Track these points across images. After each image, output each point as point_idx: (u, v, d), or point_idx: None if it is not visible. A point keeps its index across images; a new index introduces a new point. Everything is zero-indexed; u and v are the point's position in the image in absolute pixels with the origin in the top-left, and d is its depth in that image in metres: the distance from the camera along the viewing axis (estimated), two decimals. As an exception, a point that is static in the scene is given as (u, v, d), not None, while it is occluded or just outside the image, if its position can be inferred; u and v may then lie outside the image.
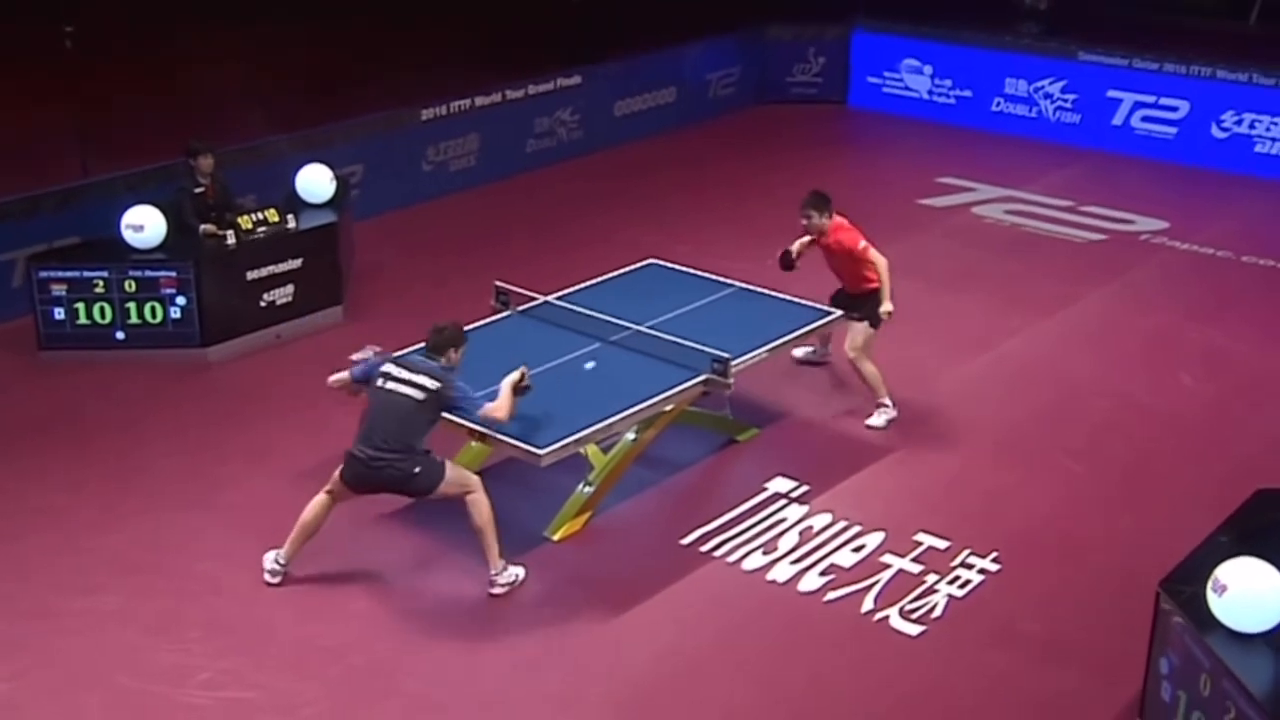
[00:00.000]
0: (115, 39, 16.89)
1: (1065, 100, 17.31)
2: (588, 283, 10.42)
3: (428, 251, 13.46)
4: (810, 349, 10.94)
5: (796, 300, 10.26)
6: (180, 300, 10.93)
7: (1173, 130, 16.64)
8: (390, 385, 7.92)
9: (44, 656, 7.61)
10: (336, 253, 11.84)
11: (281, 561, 8.18)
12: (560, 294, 10.11)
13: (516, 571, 8.21)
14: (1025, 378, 11.07)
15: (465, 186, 15.18)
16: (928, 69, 18.32)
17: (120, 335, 10.96)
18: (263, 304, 11.37)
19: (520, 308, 9.92)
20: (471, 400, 7.99)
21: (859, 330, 10.11)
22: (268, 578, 8.18)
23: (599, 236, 13.61)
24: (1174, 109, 16.60)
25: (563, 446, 8.15)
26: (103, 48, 15.19)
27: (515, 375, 8.17)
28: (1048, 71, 17.40)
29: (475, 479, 8.08)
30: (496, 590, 8.10)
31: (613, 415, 8.46)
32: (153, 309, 10.91)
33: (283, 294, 11.47)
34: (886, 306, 9.93)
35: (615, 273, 10.64)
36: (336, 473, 8.06)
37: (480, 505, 8.01)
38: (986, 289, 12.78)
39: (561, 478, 8.97)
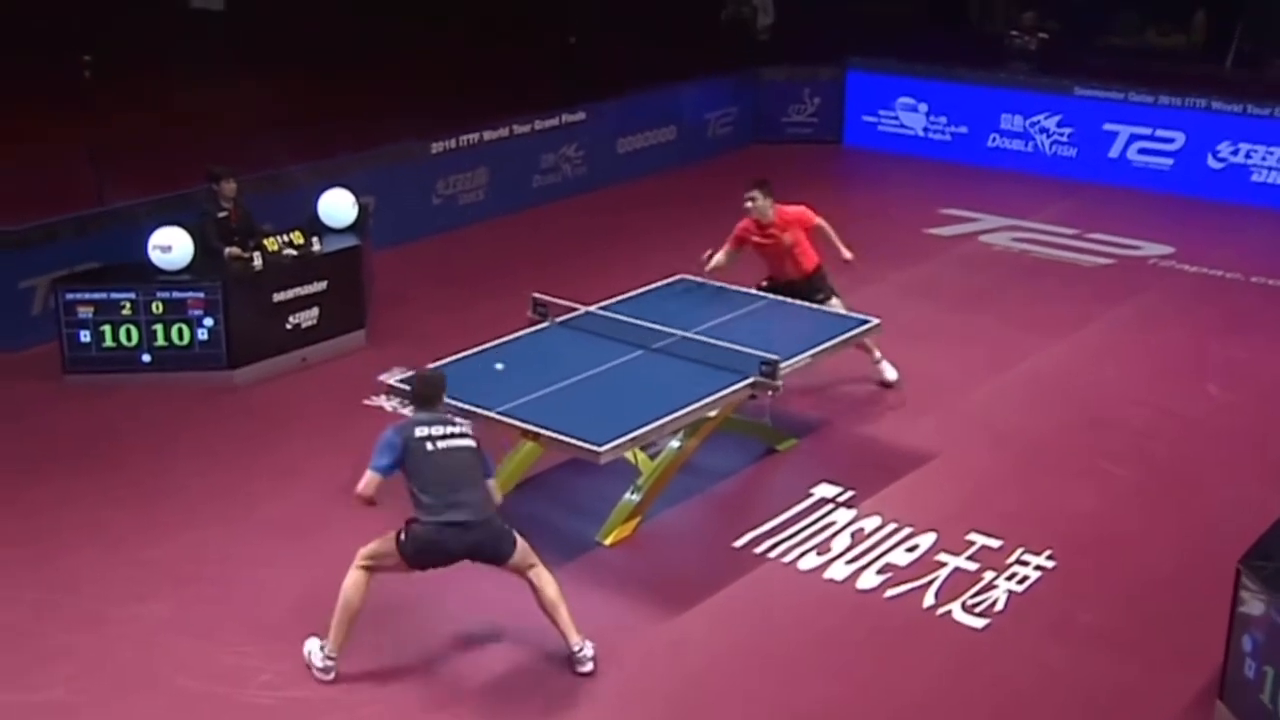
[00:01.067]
0: (134, 71, 16.91)
1: (1061, 134, 17.51)
2: (622, 296, 10.39)
3: (442, 282, 13.41)
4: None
5: (834, 310, 10.30)
6: (208, 322, 10.85)
7: (1169, 161, 16.85)
8: (443, 444, 7.10)
9: (100, 661, 7.48)
10: (360, 276, 11.80)
11: (333, 656, 7.27)
12: (597, 305, 10.09)
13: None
14: (1052, 390, 11.11)
15: (474, 220, 15.17)
16: (923, 106, 18.50)
17: (146, 358, 10.86)
18: (288, 326, 11.30)
19: (559, 319, 9.88)
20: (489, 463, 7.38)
21: (838, 309, 10.45)
22: (319, 675, 7.26)
23: (606, 269, 13.52)
24: (1170, 140, 16.81)
25: (620, 444, 8.10)
26: (122, 78, 15.20)
27: None
28: (1043, 106, 17.60)
29: (543, 566, 7.37)
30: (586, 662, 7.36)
31: (668, 414, 8.42)
32: (180, 331, 10.82)
33: (308, 317, 11.41)
34: (847, 254, 10.58)
35: (648, 287, 10.62)
36: (387, 555, 7.20)
37: (554, 583, 7.34)
38: (1001, 310, 12.84)
39: (605, 486, 8.99)
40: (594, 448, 8.01)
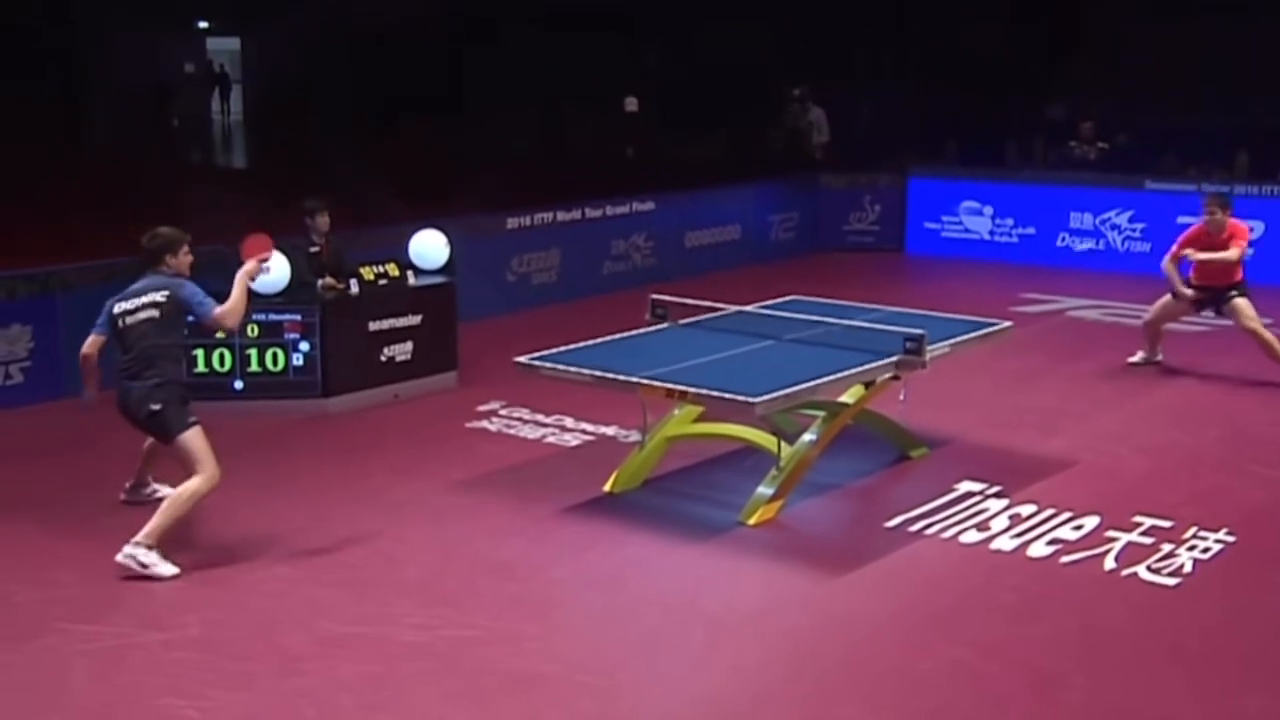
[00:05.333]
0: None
1: (1134, 230, 17.28)
2: (739, 308, 10.02)
3: (530, 347, 12.97)
4: (1142, 354, 11.96)
5: (957, 316, 9.93)
6: (304, 346, 10.45)
7: (1250, 250, 16.52)
8: (129, 320, 7.60)
9: (234, 611, 7.00)
10: (454, 314, 11.42)
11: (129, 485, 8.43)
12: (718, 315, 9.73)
13: (162, 564, 7.34)
14: (1190, 413, 10.75)
15: (548, 301, 14.84)
16: (988, 209, 18.31)
17: (238, 385, 10.42)
18: (383, 359, 10.90)
19: (682, 321, 9.50)
20: (202, 302, 7.68)
21: (1245, 305, 11.50)
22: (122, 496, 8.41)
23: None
24: (1249, 230, 16.51)
25: (774, 399, 7.67)
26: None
27: (250, 265, 7.96)
28: (1114, 203, 17.41)
29: (214, 472, 7.58)
30: (124, 555, 7.30)
31: (819, 378, 7.99)
32: (274, 355, 10.42)
33: (402, 350, 11.01)
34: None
35: (763, 303, 10.25)
36: None
37: (195, 487, 7.51)
38: (1113, 358, 12.41)
39: (732, 480, 8.76)
40: (748, 399, 7.55)
